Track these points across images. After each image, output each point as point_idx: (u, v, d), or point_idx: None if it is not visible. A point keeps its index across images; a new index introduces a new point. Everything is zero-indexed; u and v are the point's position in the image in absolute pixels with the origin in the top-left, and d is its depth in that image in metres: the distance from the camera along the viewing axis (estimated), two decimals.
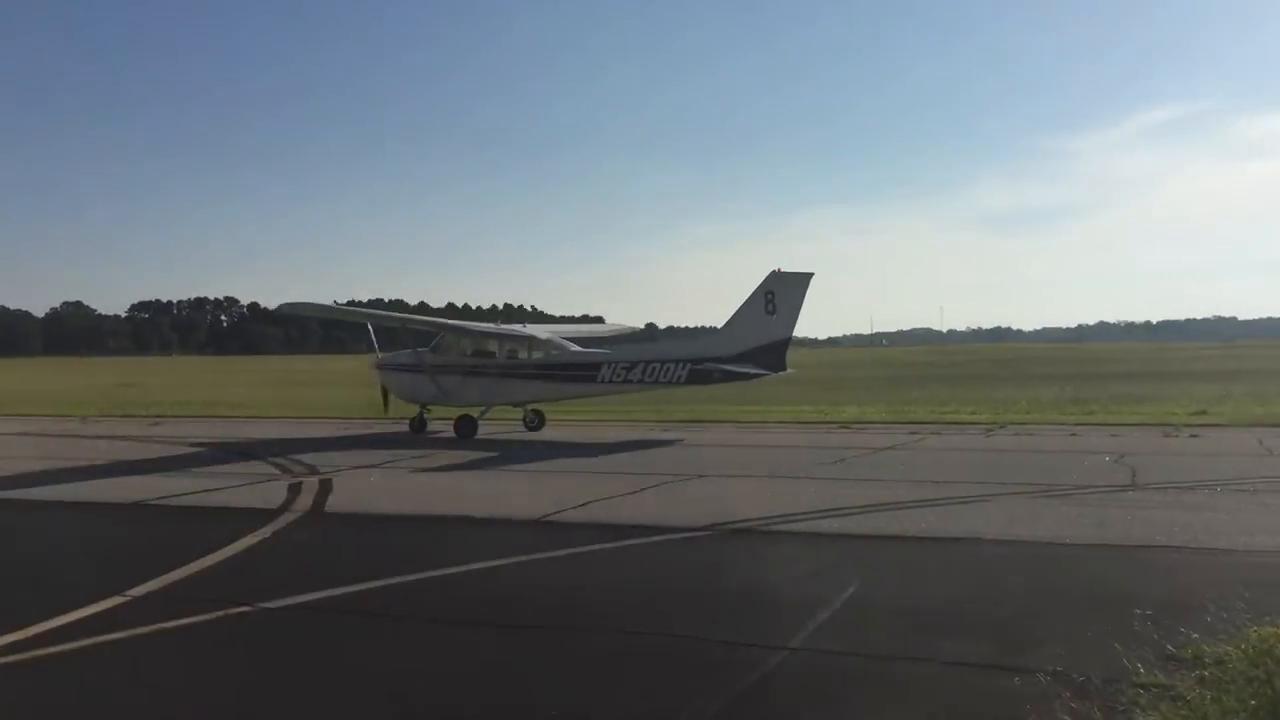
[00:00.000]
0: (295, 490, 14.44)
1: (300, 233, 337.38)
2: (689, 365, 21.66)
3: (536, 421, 24.21)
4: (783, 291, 21.85)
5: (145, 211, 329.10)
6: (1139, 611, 7.31)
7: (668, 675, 6.42)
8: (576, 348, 23.62)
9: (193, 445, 21.68)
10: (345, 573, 9.18)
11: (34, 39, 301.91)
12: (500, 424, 24.77)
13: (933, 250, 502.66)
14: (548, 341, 23.62)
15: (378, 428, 25.36)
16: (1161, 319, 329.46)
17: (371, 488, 14.75)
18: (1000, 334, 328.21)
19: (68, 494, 14.64)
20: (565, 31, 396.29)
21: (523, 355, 23.41)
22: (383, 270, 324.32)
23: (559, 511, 12.46)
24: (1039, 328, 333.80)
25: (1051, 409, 28.26)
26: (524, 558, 9.92)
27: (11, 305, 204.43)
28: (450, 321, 27.53)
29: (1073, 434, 21.54)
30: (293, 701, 6.13)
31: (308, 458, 18.73)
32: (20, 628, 7.39)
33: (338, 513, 12.78)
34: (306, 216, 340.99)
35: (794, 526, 11.40)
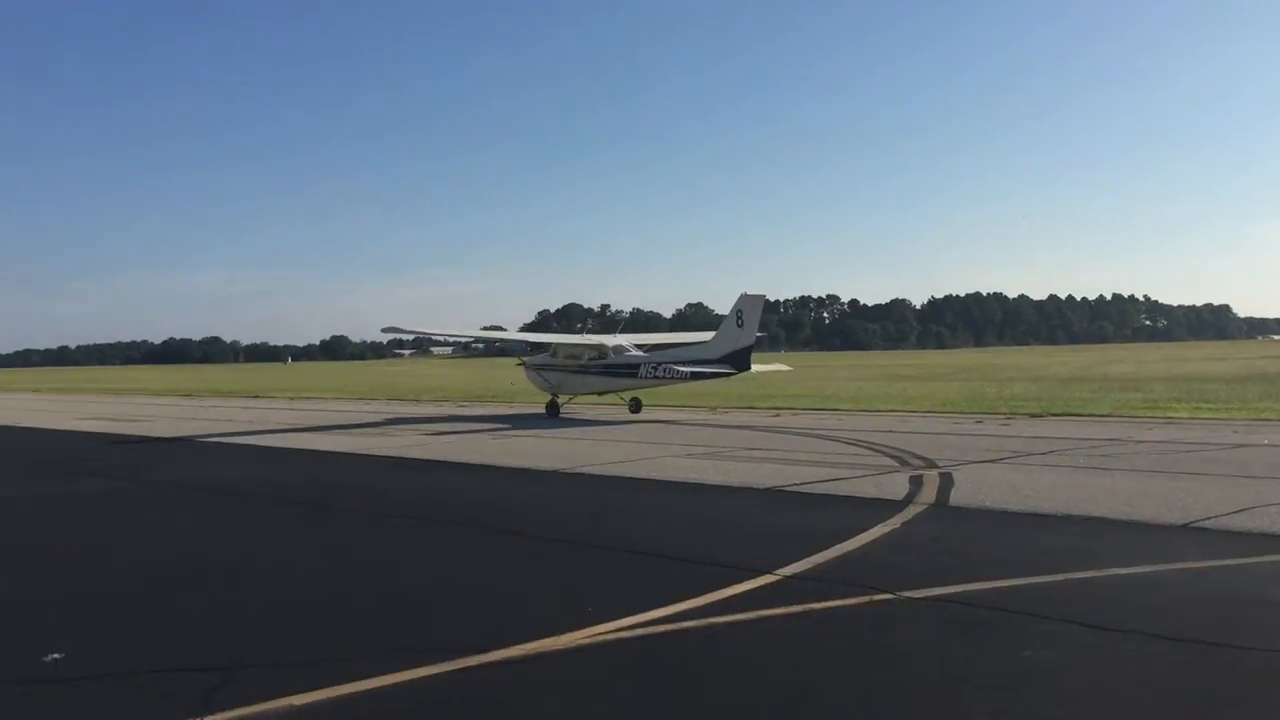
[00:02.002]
0: (916, 483, 14.61)
1: (897, 231, 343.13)
2: (691, 366, 28.57)
3: (636, 406, 31.12)
4: (748, 309, 28.26)
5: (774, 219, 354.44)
6: None
7: None
8: (637, 353, 30.78)
9: (811, 436, 22.85)
10: (978, 568, 9.10)
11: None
12: (604, 408, 31.47)
13: None
14: (615, 348, 30.62)
15: (988, 423, 24.98)
16: None
17: (994, 483, 14.46)
18: None
19: (718, 478, 15.98)
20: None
21: (597, 359, 30.43)
22: (969, 263, 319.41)
23: (1209, 517, 11.33)
24: None
25: None
26: (1171, 566, 9.14)
27: (645, 307, 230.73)
28: (528, 335, 37.77)
29: None
30: (933, 694, 6.16)
31: (921, 449, 18.90)
32: (693, 596, 8.24)
33: (962, 507, 12.67)
34: (906, 215, 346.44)
35: None
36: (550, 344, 33.01)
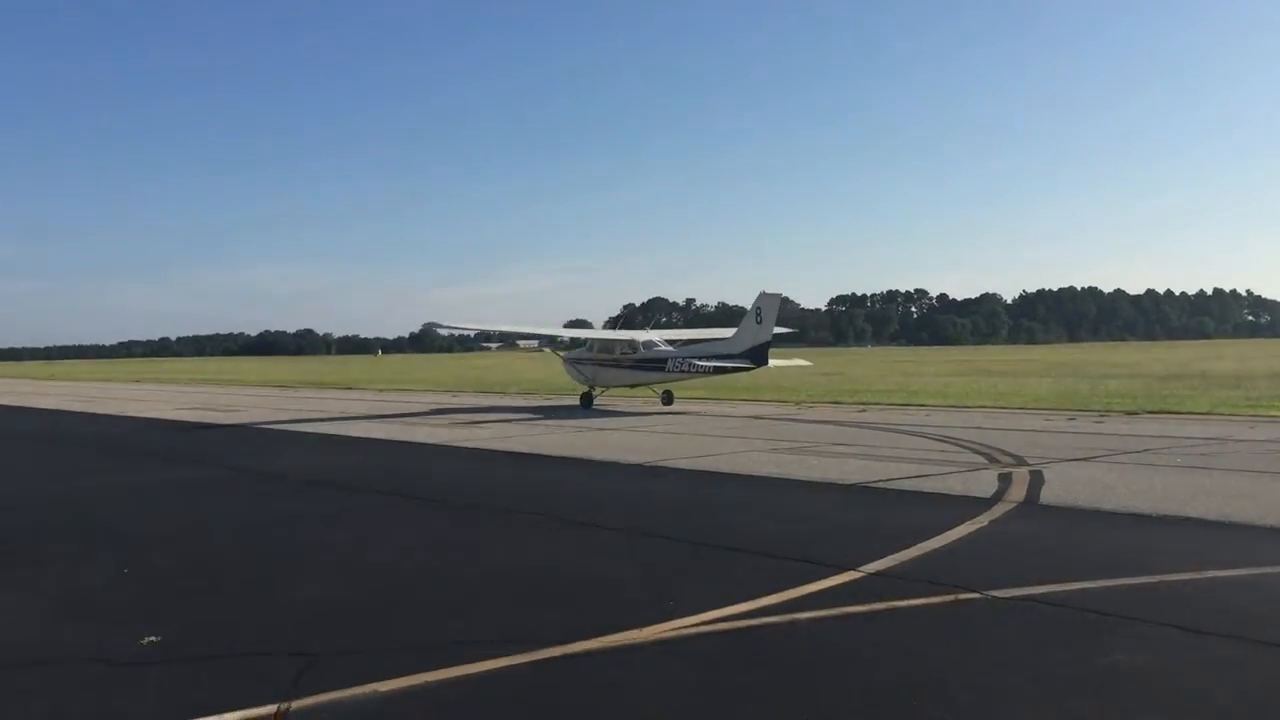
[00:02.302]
0: (1006, 480, 14.34)
1: (988, 223, 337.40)
2: (714, 361, 29.71)
3: (668, 398, 32.75)
4: (766, 308, 29.16)
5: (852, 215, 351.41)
6: None
7: None
8: (666, 348, 31.88)
9: (898, 432, 22.57)
10: (1070, 568, 8.91)
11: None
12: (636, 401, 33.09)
13: None
14: (645, 343, 32.05)
15: (1081, 420, 24.42)
16: None
17: (1086, 481, 14.13)
18: None
19: (802, 474, 15.86)
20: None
21: (629, 353, 31.72)
22: (1062, 257, 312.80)
23: None
24: None
25: None
26: (1273, 569, 8.89)
27: (730, 301, 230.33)
28: (565, 331, 38.47)
29: None
30: (1021, 695, 6.05)
31: (1011, 446, 18.55)
32: (775, 591, 8.21)
33: (1053, 505, 12.39)
34: (996, 207, 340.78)
35: None
36: (586, 339, 34.85)
